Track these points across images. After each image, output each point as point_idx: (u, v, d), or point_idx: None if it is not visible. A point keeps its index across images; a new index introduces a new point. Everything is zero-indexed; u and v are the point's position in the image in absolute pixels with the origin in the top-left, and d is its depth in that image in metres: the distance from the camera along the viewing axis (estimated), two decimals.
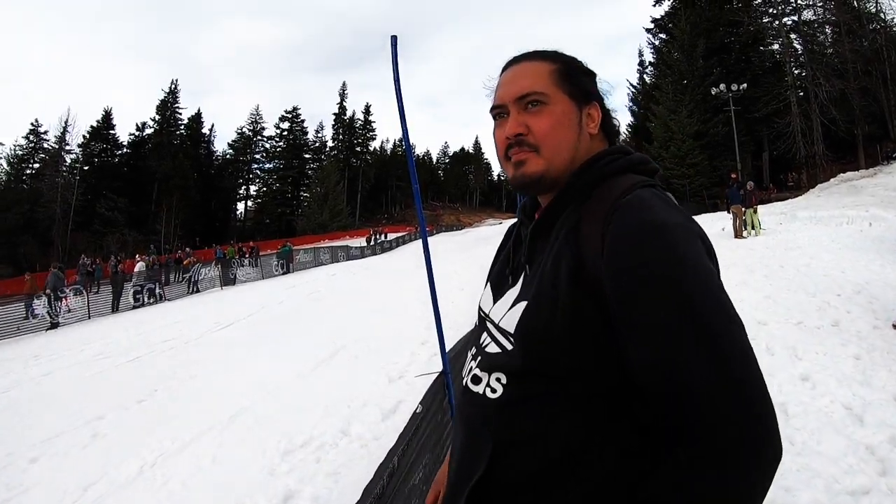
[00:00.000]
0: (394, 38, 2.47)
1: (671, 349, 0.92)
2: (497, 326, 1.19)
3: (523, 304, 1.12)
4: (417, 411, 2.54)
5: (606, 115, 1.27)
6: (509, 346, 1.13)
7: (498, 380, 1.12)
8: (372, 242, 47.51)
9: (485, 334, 1.24)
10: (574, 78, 1.22)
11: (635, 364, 0.97)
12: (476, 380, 1.18)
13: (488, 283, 1.35)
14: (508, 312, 1.16)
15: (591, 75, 1.28)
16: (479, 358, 1.21)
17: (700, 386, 0.90)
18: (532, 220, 1.26)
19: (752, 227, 17.50)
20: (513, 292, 1.19)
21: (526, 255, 1.21)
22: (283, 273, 31.58)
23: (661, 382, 0.94)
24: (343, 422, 5.76)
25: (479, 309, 1.34)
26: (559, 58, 1.25)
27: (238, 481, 4.79)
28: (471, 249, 28.86)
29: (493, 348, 1.18)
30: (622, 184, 1.10)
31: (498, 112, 1.24)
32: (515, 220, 1.39)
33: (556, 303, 1.04)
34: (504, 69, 1.28)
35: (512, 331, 1.12)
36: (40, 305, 18.87)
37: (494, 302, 1.25)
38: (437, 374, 3.13)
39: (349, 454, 5.03)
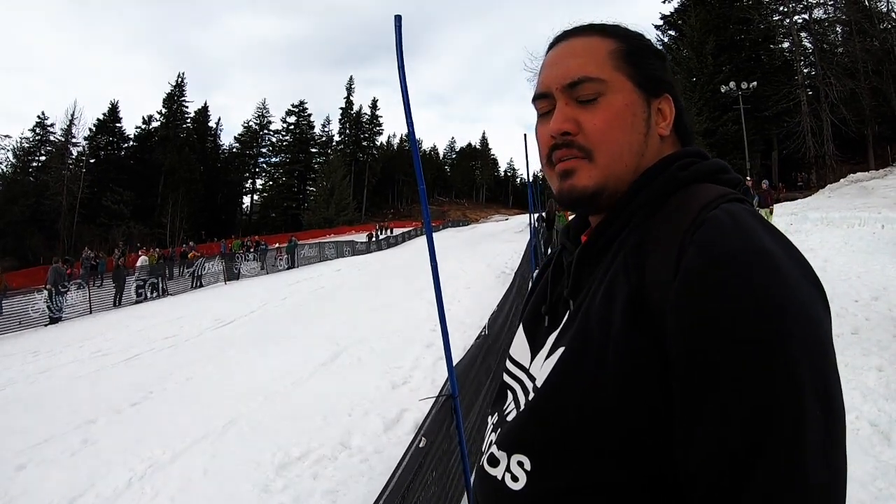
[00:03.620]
0: (398, 18, 2.24)
1: (752, 452, 0.64)
2: (531, 377, 0.91)
3: (560, 350, 0.83)
4: (421, 445, 2.29)
5: (680, 112, 0.96)
6: (529, 406, 0.85)
7: (520, 464, 0.82)
8: (374, 239, 46.95)
9: (510, 396, 0.95)
10: (642, 60, 0.93)
11: (692, 451, 0.69)
12: (493, 461, 0.87)
13: (521, 326, 1.05)
14: (546, 361, 0.87)
15: (662, 58, 0.97)
16: (500, 430, 0.91)
17: None
18: (576, 243, 0.96)
19: None
20: (552, 337, 0.90)
21: (569, 288, 0.92)
22: (288, 268, 31.44)
23: (720, 491, 0.66)
24: (343, 432, 5.54)
25: (509, 360, 1.03)
26: (622, 33, 0.95)
27: (229, 500, 4.57)
28: (477, 246, 28.83)
29: (512, 413, 0.90)
30: (703, 193, 0.81)
31: (542, 105, 0.95)
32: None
33: (606, 347, 0.76)
34: (550, 47, 0.98)
35: (541, 384, 0.84)
36: (41, 300, 18.74)
37: (532, 352, 0.96)
38: (443, 398, 2.88)
39: (349, 469, 4.81)
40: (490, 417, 1.00)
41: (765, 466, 0.64)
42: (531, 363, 0.95)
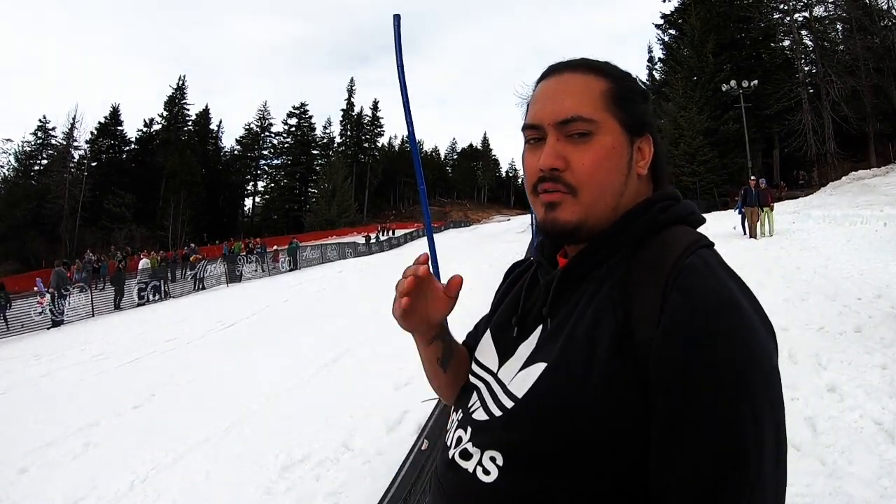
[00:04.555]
0: (397, 18, 2.22)
1: (721, 479, 0.75)
2: (501, 384, 0.97)
3: (542, 366, 0.90)
4: (423, 447, 2.27)
5: (658, 151, 1.02)
6: (509, 414, 0.91)
7: (493, 459, 0.90)
8: (372, 241, 46.84)
9: (475, 395, 1.02)
10: (630, 102, 0.98)
11: (667, 475, 0.78)
12: (466, 455, 0.94)
13: (488, 331, 1.12)
14: (520, 373, 0.94)
15: (647, 99, 1.03)
16: (470, 429, 0.97)
17: None
18: (552, 263, 1.05)
19: (768, 227, 17.22)
20: (525, 347, 0.98)
21: (547, 307, 0.98)
22: (290, 270, 31.47)
23: None
24: (345, 434, 5.52)
25: (475, 362, 1.10)
26: (613, 73, 1.00)
27: (231, 502, 4.56)
28: (479, 246, 28.84)
29: (481, 415, 0.97)
30: (679, 238, 0.90)
31: (532, 135, 0.99)
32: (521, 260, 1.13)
33: (590, 368, 0.84)
34: (543, 77, 1.03)
35: (521, 395, 0.90)
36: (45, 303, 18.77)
37: (500, 356, 1.03)
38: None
39: (351, 471, 4.78)
40: (454, 413, 1.08)
41: (731, 491, 0.74)
42: (499, 368, 1.01)
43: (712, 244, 0.91)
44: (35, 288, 20.81)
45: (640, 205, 0.96)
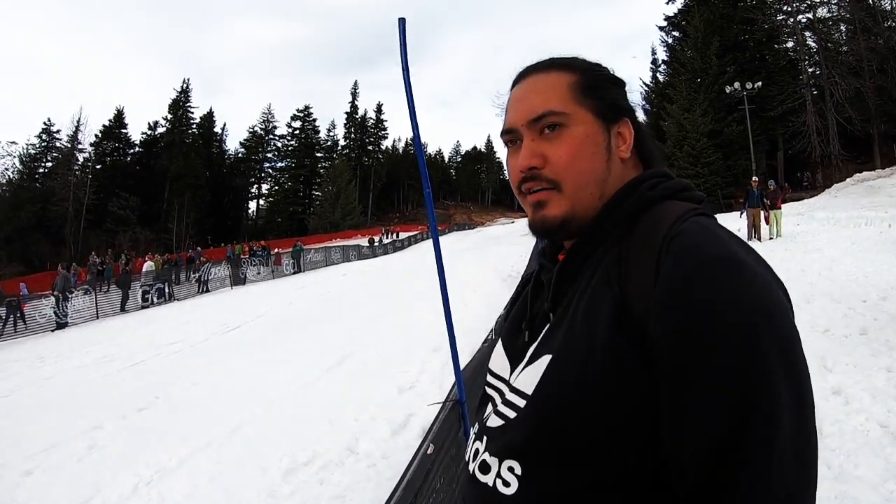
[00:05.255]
0: (402, 21, 2.20)
1: (734, 445, 0.70)
2: (512, 388, 0.94)
3: (547, 358, 0.87)
4: (429, 452, 2.26)
5: (640, 134, 1.02)
6: (521, 414, 0.88)
7: (511, 469, 0.87)
8: (374, 244, 46.77)
9: (489, 405, 1.01)
10: (599, 90, 0.98)
11: (678, 447, 0.74)
12: (485, 468, 0.91)
13: (500, 341, 1.10)
14: (527, 369, 0.91)
15: (620, 85, 1.04)
16: (486, 438, 0.95)
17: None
18: (554, 263, 1.01)
19: (776, 229, 17.04)
20: (532, 349, 0.95)
21: (549, 302, 0.97)
22: (294, 272, 31.48)
23: (707, 486, 0.72)
24: (350, 437, 5.50)
25: (489, 373, 1.08)
26: (578, 65, 1.00)
27: None
28: (483, 248, 28.84)
29: (495, 421, 0.94)
30: (672, 209, 0.88)
31: (509, 138, 1.01)
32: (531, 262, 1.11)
33: (594, 351, 0.80)
34: (514, 84, 1.05)
35: (530, 392, 0.88)
36: (48, 306, 18.80)
37: (511, 363, 1.01)
38: (451, 403, 2.85)
39: (356, 475, 4.76)
40: (472, 428, 1.06)
41: (745, 459, 0.69)
42: (511, 374, 0.99)
43: (711, 214, 0.90)
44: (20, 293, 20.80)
45: (625, 186, 0.95)
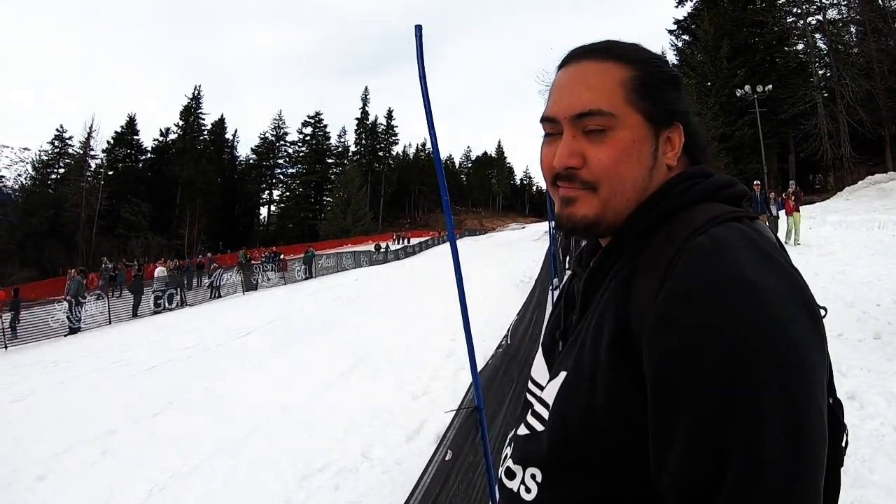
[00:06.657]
0: (418, 28, 2.19)
1: (715, 481, 0.67)
2: (539, 398, 0.93)
3: (563, 375, 0.87)
4: (447, 458, 2.23)
5: (691, 134, 0.93)
6: (544, 424, 0.88)
7: (533, 477, 0.87)
8: (382, 249, 46.49)
9: (527, 413, 0.96)
10: (654, 91, 0.89)
11: (662, 474, 0.72)
12: (510, 474, 0.92)
13: (540, 349, 1.07)
14: (552, 382, 0.90)
15: (678, 85, 0.94)
16: (512, 444, 0.96)
17: None
18: (588, 270, 0.96)
19: (794, 235, 16.37)
20: (559, 361, 0.94)
21: (578, 314, 0.94)
22: (306, 278, 31.56)
23: None
24: (364, 443, 5.47)
25: (531, 380, 1.05)
26: (637, 59, 0.91)
27: None
28: (495, 254, 28.78)
29: (522, 429, 0.94)
30: (696, 217, 0.81)
31: (550, 128, 0.93)
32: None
33: (595, 377, 0.80)
34: (563, 64, 0.95)
35: (552, 404, 0.87)
36: (61, 311, 18.89)
37: (550, 374, 0.96)
38: (467, 410, 2.82)
39: (370, 481, 4.73)
40: (510, 433, 1.03)
41: (726, 496, 0.66)
42: (546, 383, 0.95)
43: (748, 216, 0.83)
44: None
45: (655, 193, 0.89)
